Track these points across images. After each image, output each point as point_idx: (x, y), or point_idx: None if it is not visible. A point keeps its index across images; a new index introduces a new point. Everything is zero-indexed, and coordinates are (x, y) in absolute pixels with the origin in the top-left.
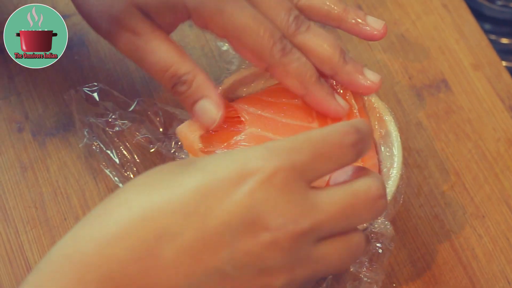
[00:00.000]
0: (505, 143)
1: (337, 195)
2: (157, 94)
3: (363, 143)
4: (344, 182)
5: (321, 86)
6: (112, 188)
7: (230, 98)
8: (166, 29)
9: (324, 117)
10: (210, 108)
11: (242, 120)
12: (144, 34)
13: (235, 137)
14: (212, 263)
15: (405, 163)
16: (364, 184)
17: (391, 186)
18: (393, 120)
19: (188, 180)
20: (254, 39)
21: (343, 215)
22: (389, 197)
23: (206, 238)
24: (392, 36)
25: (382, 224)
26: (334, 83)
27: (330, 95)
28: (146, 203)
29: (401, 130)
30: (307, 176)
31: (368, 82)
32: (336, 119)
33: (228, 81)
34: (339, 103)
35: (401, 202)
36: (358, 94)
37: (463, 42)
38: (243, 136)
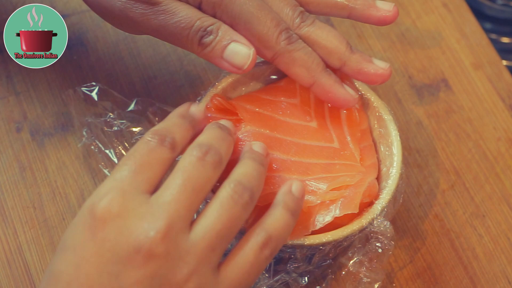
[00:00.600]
0: (506, 143)
1: (171, 183)
2: (156, 94)
3: (169, 136)
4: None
5: (329, 74)
6: None
7: (228, 97)
8: None
9: (322, 115)
10: (241, 48)
11: (240, 118)
12: (162, 0)
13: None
14: None
15: (405, 162)
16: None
17: (390, 185)
18: (392, 119)
19: (63, 263)
20: (261, 27)
21: (184, 195)
22: (389, 196)
23: None
24: (393, 35)
25: (381, 223)
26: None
27: (338, 83)
28: None
29: (401, 130)
30: (141, 188)
31: (379, 69)
32: (336, 116)
33: (227, 80)
34: (348, 91)
35: (400, 201)
36: (369, 83)
37: (463, 41)
38: (241, 134)
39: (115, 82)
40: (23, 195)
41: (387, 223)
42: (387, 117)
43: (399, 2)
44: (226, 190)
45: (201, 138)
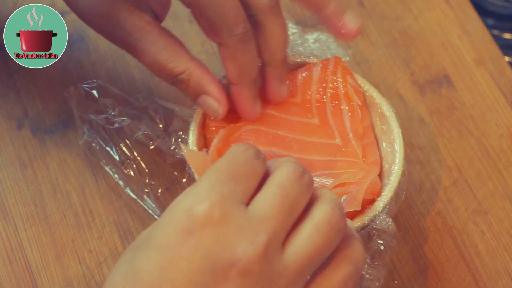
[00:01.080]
0: (508, 139)
1: (270, 198)
2: (157, 91)
3: (260, 152)
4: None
5: (250, 88)
6: (112, 186)
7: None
8: (159, 12)
9: (324, 112)
10: (212, 103)
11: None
12: (136, 32)
13: (235, 134)
14: None
15: (407, 159)
16: (322, 212)
17: (392, 182)
18: (394, 116)
19: (147, 262)
20: (218, 14)
21: (282, 213)
22: (391, 193)
23: None
24: (395, 32)
25: (384, 220)
26: (329, 95)
27: (252, 99)
28: None
29: (403, 127)
30: (238, 198)
31: (344, 29)
32: (338, 113)
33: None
34: (255, 109)
35: (403, 198)
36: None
37: (465, 37)
38: (243, 133)
39: (117, 79)
40: (24, 192)
41: (389, 220)
42: (389, 114)
43: None
44: (324, 213)
45: (289, 159)
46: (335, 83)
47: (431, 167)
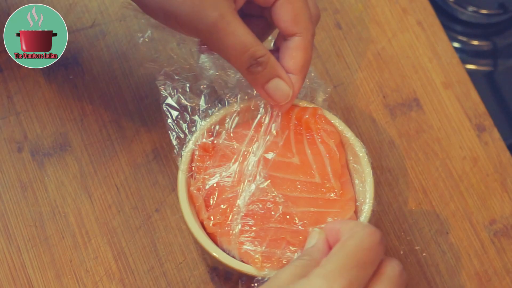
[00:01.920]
0: (470, 162)
1: None
2: (147, 113)
3: (383, 236)
4: (377, 272)
5: (303, 81)
6: (106, 208)
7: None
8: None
9: (303, 152)
10: (283, 86)
11: (226, 154)
12: (226, 16)
13: (220, 173)
14: None
15: (377, 181)
16: (393, 269)
17: (363, 220)
18: (366, 157)
19: None
20: (304, 6)
21: None
22: None
23: None
24: (369, 54)
25: None
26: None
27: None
28: None
29: (374, 149)
30: (361, 284)
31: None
32: (317, 153)
33: (218, 115)
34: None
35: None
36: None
37: (435, 60)
38: (228, 173)
39: (109, 101)
40: (25, 213)
41: None
42: (362, 155)
43: (376, 20)
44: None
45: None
46: (311, 130)
47: (399, 188)
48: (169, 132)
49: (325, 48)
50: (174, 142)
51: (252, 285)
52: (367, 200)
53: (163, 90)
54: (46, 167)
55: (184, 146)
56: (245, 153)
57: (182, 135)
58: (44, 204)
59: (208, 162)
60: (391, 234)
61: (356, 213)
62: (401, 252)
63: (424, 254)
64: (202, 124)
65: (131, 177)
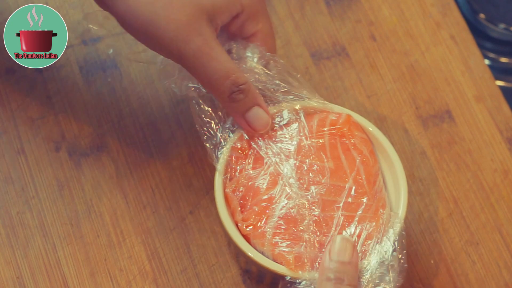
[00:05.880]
0: (501, 174)
1: None
2: (183, 117)
3: None
4: None
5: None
6: (141, 208)
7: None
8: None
9: (338, 157)
10: (263, 114)
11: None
12: (210, 41)
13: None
14: None
15: (409, 190)
16: None
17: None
18: (401, 165)
19: None
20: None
21: None
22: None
23: None
24: (403, 66)
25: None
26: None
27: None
28: None
29: (406, 159)
30: None
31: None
32: (351, 159)
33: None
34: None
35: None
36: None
37: (468, 74)
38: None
39: (147, 105)
40: (61, 212)
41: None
42: (396, 163)
43: (410, 33)
44: None
45: None
46: (345, 136)
47: (430, 198)
48: (201, 131)
49: (359, 59)
50: (208, 144)
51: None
52: (401, 208)
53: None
54: (82, 167)
55: (220, 147)
56: (281, 156)
57: (215, 138)
58: (80, 203)
59: (244, 164)
60: (422, 243)
61: (387, 219)
62: (432, 262)
63: (454, 264)
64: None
65: (166, 179)
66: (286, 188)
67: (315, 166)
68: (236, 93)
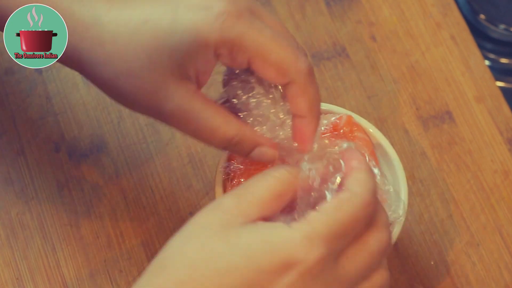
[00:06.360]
0: (501, 175)
1: (359, 263)
2: None
3: (378, 203)
4: (360, 240)
5: (318, 119)
6: (141, 209)
7: None
8: (200, 80)
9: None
10: (267, 151)
11: None
12: (185, 102)
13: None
14: None
15: (409, 191)
16: (378, 242)
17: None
18: (401, 166)
19: (234, 268)
20: (282, 54)
21: (363, 275)
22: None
23: None
24: (403, 67)
25: None
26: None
27: (316, 131)
28: (192, 271)
29: (407, 160)
30: (338, 252)
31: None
32: None
33: None
34: (311, 142)
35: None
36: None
37: (468, 74)
38: None
39: None
40: (61, 213)
41: None
42: (397, 164)
43: (410, 33)
44: (380, 244)
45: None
46: (345, 138)
47: (431, 199)
48: None
49: (360, 60)
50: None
51: None
52: (401, 207)
53: None
54: (82, 168)
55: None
56: (282, 157)
57: None
58: (80, 203)
59: (244, 164)
60: (422, 244)
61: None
62: (432, 263)
63: (454, 265)
64: None
65: (166, 180)
66: None
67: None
68: (230, 146)
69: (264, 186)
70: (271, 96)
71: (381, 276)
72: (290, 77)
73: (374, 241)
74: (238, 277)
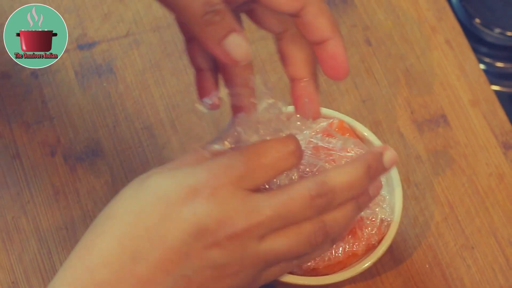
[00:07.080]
0: (496, 178)
1: (275, 199)
2: (179, 122)
3: (300, 150)
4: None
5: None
6: None
7: None
8: None
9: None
10: (242, 42)
11: None
12: None
13: None
14: (177, 272)
15: (404, 195)
16: (302, 187)
17: (391, 232)
18: (395, 169)
19: (149, 209)
20: None
21: (279, 216)
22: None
23: (168, 254)
24: (398, 71)
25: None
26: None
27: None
28: (118, 232)
29: (402, 163)
30: (246, 185)
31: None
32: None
33: None
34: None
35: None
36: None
37: (463, 78)
38: None
39: (141, 109)
40: (56, 216)
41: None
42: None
43: (405, 37)
44: (310, 233)
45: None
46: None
47: (425, 202)
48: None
49: (355, 64)
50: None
51: None
52: (396, 211)
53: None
54: (78, 172)
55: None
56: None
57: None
58: (75, 208)
59: None
60: (417, 247)
61: (381, 223)
62: (427, 266)
63: (449, 268)
64: None
65: None
66: None
67: (309, 172)
68: (210, 14)
69: None
70: None
71: (311, 225)
72: (334, 32)
73: (299, 187)
74: (150, 214)
